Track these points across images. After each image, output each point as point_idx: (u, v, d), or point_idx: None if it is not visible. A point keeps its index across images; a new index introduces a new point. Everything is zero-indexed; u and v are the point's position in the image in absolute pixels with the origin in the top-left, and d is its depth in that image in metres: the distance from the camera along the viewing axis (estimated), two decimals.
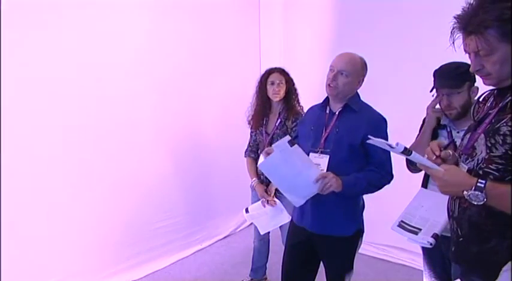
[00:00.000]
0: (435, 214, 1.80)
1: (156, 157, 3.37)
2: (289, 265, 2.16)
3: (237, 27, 4.04)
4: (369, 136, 1.38)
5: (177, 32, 3.45)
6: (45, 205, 2.71)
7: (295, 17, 4.07)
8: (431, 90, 1.97)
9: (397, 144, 1.27)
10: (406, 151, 1.27)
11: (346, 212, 2.03)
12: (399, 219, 1.89)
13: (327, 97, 2.09)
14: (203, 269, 3.44)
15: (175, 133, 3.51)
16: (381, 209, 2.56)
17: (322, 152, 2.00)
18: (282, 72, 2.91)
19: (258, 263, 3.19)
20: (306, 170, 1.89)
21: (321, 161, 1.99)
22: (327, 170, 1.95)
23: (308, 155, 2.02)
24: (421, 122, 2.13)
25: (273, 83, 2.86)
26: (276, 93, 2.86)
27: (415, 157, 1.27)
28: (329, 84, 1.99)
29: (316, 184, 1.88)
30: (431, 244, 1.74)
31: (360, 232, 2.08)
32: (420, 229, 1.80)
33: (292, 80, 2.93)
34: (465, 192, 1.19)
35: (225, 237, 4.00)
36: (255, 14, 4.23)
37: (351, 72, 1.98)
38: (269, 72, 2.93)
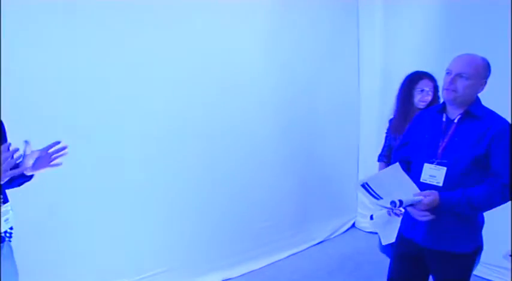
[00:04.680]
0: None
1: (257, 159, 3.41)
2: (396, 277, 2.05)
3: (335, 30, 3.93)
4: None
5: (274, 38, 3.45)
6: (149, 202, 2.86)
7: (396, 18, 3.87)
8: None
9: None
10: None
11: (466, 227, 1.85)
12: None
13: (443, 103, 1.94)
14: (298, 274, 3.40)
15: (279, 136, 3.53)
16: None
17: (438, 164, 1.86)
18: (432, 78, 2.65)
19: None
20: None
21: (437, 173, 1.84)
22: (443, 183, 1.81)
23: (422, 165, 1.90)
24: None
25: (422, 91, 2.63)
26: (424, 101, 2.62)
27: None
28: (446, 89, 1.85)
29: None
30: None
31: (479, 249, 1.91)
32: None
33: (438, 87, 2.65)
34: None
35: (319, 242, 3.91)
36: (353, 15, 4.10)
37: (471, 74, 1.79)
38: (419, 77, 2.67)
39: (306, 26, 3.66)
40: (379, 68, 3.98)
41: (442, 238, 1.81)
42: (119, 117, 2.70)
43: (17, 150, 1.48)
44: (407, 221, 1.99)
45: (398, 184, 1.82)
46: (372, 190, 1.82)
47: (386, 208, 1.77)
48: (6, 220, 1.59)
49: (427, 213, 1.78)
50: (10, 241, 1.64)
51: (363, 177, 4.13)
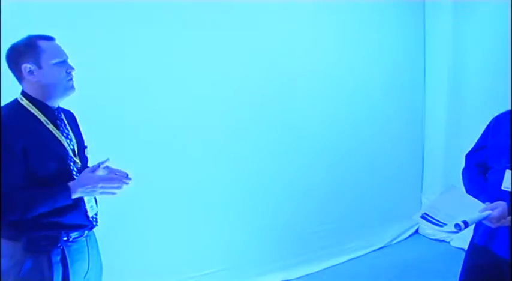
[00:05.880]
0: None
1: (318, 161, 3.38)
2: None
3: (399, 29, 3.82)
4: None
5: (337, 38, 3.43)
6: (214, 202, 2.94)
7: (466, 18, 3.68)
8: None
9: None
10: None
11: None
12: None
13: None
14: (357, 279, 3.31)
15: (341, 137, 3.49)
16: None
17: None
18: None
19: None
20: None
21: None
22: None
23: (503, 172, 1.78)
24: None
25: None
26: None
27: None
28: None
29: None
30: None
31: None
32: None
33: None
34: None
35: (380, 248, 3.80)
36: (419, 14, 3.95)
37: None
38: None
39: (369, 26, 3.59)
40: (447, 68, 3.82)
41: None
42: (184, 118, 2.77)
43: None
44: (483, 229, 1.87)
45: (459, 205, 1.76)
46: (433, 218, 1.77)
47: (452, 232, 1.70)
48: (91, 206, 1.68)
49: (503, 221, 1.67)
50: (97, 224, 1.73)
51: (427, 181, 4.06)
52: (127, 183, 1.60)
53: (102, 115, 2.42)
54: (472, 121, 3.43)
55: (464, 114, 3.66)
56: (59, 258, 1.56)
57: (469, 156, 2.09)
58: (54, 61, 1.55)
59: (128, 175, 1.62)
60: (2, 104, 1.61)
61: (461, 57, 3.69)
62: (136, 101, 2.60)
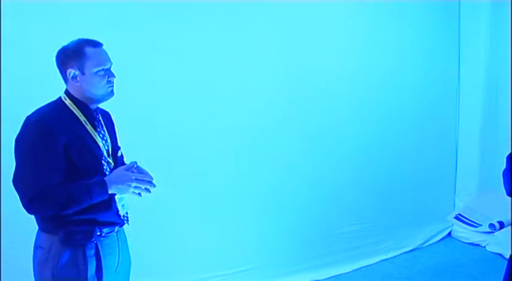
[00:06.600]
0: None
1: (350, 161, 3.38)
2: None
3: (434, 31, 3.78)
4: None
5: (370, 36, 3.42)
6: (244, 202, 2.98)
7: (503, 19, 3.57)
8: None
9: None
10: None
11: None
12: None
13: None
14: None
15: (371, 137, 3.46)
16: None
17: None
18: None
19: None
20: None
21: None
22: None
23: None
24: None
25: None
26: None
27: None
28: None
29: None
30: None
31: None
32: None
33: None
34: None
35: (411, 250, 3.72)
36: (454, 16, 3.87)
37: None
38: None
39: (403, 26, 3.57)
40: (482, 68, 3.74)
41: None
42: (212, 117, 2.82)
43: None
44: None
45: (496, 206, 1.72)
46: (468, 219, 1.74)
47: (486, 232, 1.67)
48: (123, 205, 1.73)
49: None
50: (128, 224, 1.78)
51: (461, 182, 3.96)
52: (155, 185, 1.65)
53: (130, 117, 2.43)
54: (508, 122, 3.35)
55: (499, 115, 3.58)
56: (93, 252, 1.63)
57: (510, 158, 2.03)
58: (96, 69, 1.60)
59: (153, 179, 1.66)
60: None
61: (497, 57, 3.61)
62: (163, 102, 2.66)
